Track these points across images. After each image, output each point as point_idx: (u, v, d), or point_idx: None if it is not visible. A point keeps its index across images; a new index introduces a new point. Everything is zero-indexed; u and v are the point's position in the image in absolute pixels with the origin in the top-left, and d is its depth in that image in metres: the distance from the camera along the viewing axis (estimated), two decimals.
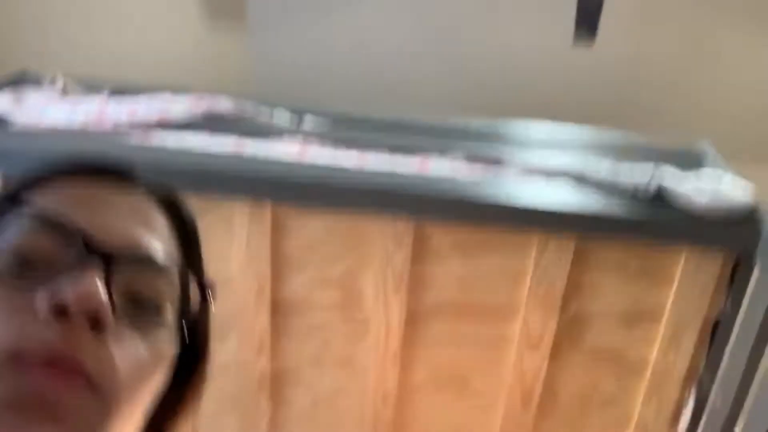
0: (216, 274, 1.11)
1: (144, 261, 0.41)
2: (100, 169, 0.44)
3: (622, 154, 1.15)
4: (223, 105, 1.19)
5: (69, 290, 0.35)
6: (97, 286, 0.36)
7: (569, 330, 1.08)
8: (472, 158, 1.12)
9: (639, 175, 1.01)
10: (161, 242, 0.42)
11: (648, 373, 1.09)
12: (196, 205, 1.04)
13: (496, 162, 1.11)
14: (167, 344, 0.42)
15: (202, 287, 0.45)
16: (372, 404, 1.15)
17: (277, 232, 1.05)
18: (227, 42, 1.57)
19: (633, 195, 1.00)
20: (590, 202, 1.00)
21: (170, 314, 0.42)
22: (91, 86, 1.26)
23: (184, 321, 0.43)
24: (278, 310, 1.11)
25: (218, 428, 1.20)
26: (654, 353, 1.08)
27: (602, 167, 1.05)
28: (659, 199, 1.00)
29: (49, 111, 1.16)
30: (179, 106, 1.17)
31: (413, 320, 1.09)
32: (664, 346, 1.07)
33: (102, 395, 0.36)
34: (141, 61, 1.58)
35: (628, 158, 1.12)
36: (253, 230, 1.04)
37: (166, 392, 0.44)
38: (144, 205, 0.44)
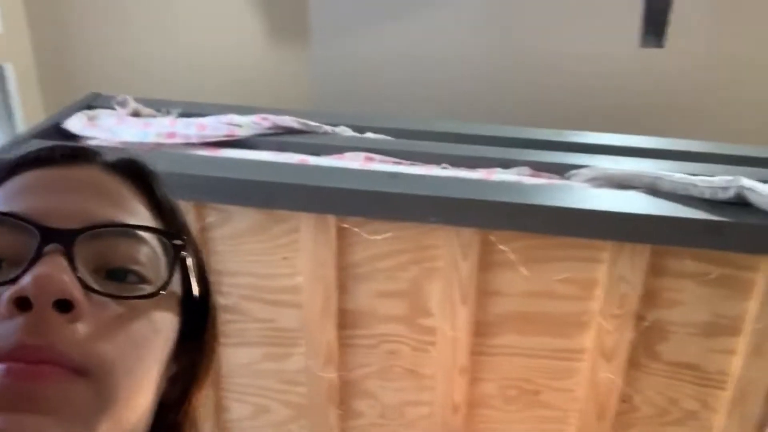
0: (283, 287, 1.13)
1: (106, 231, 0.38)
2: (49, 155, 0.43)
3: (694, 161, 1.11)
4: (288, 122, 1.21)
5: (26, 279, 0.34)
6: (53, 268, 0.34)
7: (646, 341, 1.04)
8: (538, 168, 1.09)
9: (717, 180, 0.97)
10: (125, 210, 0.41)
11: (729, 386, 1.04)
12: (263, 218, 1.07)
13: (564, 171, 1.08)
14: (160, 314, 0.39)
15: (167, 235, 0.41)
16: (441, 416, 1.14)
17: (343, 243, 1.06)
18: (289, 59, 1.60)
19: (711, 200, 0.96)
20: (666, 207, 0.96)
21: (156, 281, 0.39)
22: (159, 107, 1.30)
23: (182, 291, 0.41)
24: (345, 321, 1.11)
25: None
26: (735, 365, 1.03)
27: (677, 173, 1.01)
28: (739, 204, 0.95)
29: (121, 130, 1.20)
30: (246, 123, 1.19)
31: (481, 331, 1.08)
32: (746, 358, 1.01)
33: (93, 379, 0.34)
34: (205, 80, 1.63)
35: (703, 165, 1.08)
36: (319, 242, 1.05)
37: (178, 368, 0.43)
38: (100, 179, 0.42)
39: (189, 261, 0.42)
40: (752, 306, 0.99)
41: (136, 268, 0.39)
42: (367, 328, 1.12)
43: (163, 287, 0.39)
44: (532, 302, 1.05)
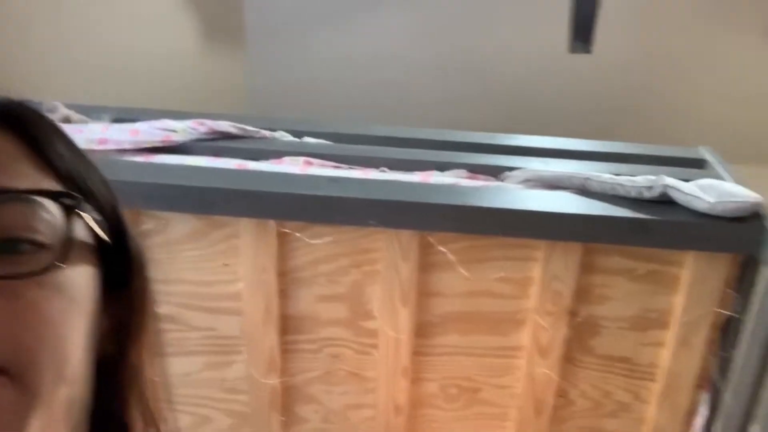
0: (224, 294, 1.12)
1: None
2: None
3: (621, 162, 1.16)
4: (225, 127, 1.20)
5: None
6: None
7: (579, 336, 1.08)
8: (474, 170, 1.12)
9: (642, 180, 1.02)
10: (4, 170, 0.35)
11: (659, 378, 1.09)
12: (201, 225, 1.05)
13: (498, 173, 1.11)
14: (71, 278, 0.35)
15: (53, 194, 0.36)
16: (384, 418, 1.15)
17: (284, 248, 1.06)
18: (225, 63, 1.58)
19: (638, 199, 1.01)
20: (595, 207, 1.00)
21: (57, 244, 0.35)
22: (91, 113, 1.26)
23: (62, 248, 0.35)
24: (287, 327, 1.11)
25: None
26: (664, 358, 1.07)
27: (606, 175, 1.05)
28: (664, 202, 1.00)
29: None
30: (182, 128, 1.18)
31: (422, 332, 1.09)
32: (674, 350, 1.06)
33: (13, 377, 0.31)
34: (138, 85, 1.59)
35: (630, 166, 1.13)
36: (260, 247, 1.04)
37: (110, 321, 0.40)
38: None
39: (90, 215, 0.37)
40: (679, 300, 1.03)
41: (28, 235, 0.34)
42: (310, 333, 1.12)
43: (61, 256, 0.34)
44: (471, 302, 1.07)
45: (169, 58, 1.57)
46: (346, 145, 1.20)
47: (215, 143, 1.18)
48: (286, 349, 1.13)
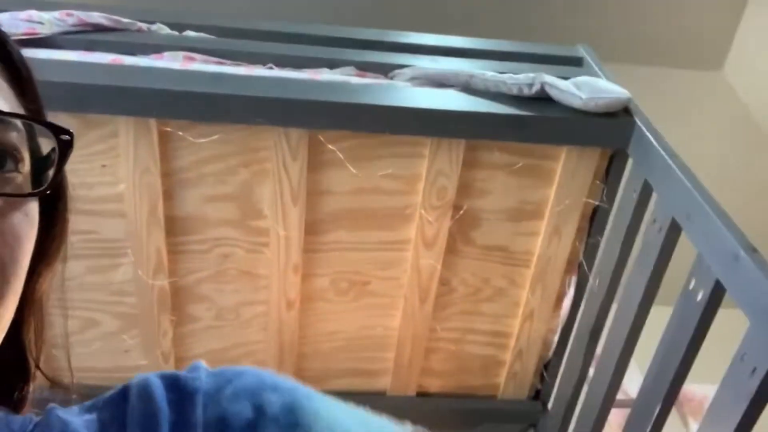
0: (104, 196, 1.08)
1: None
2: None
3: (505, 60, 1.19)
4: (96, 18, 1.11)
5: None
6: None
7: (462, 229, 1.13)
8: (363, 68, 1.11)
9: (523, 77, 1.05)
10: None
11: (533, 264, 1.18)
12: (76, 124, 0.99)
13: (388, 70, 1.11)
14: (33, 205, 0.38)
15: (56, 129, 0.38)
16: (276, 313, 1.18)
17: (166, 148, 1.02)
18: None
19: (518, 96, 1.04)
20: (478, 104, 1.03)
21: (25, 168, 0.37)
22: None
23: (41, 168, 0.39)
24: (174, 228, 1.09)
25: (120, 347, 1.20)
26: (538, 245, 1.16)
27: (489, 72, 1.08)
28: (543, 99, 1.04)
29: None
30: (48, 20, 1.08)
31: (312, 229, 1.11)
32: (546, 239, 1.15)
33: None
34: None
35: (513, 64, 1.16)
36: (141, 147, 1.01)
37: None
38: None
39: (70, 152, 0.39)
40: (552, 192, 1.11)
41: (13, 153, 0.36)
42: (199, 234, 1.11)
43: (51, 184, 0.37)
44: (360, 199, 1.09)
45: None
46: (231, 40, 1.15)
47: (87, 36, 1.10)
48: (175, 250, 1.12)
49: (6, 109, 0.36)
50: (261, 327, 1.21)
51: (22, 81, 0.40)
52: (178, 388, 0.42)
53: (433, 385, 1.33)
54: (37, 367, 0.45)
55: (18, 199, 0.36)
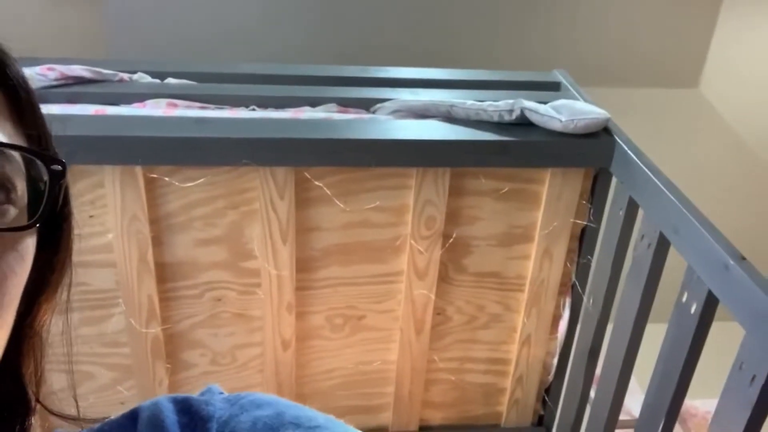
0: (93, 247, 1.07)
1: None
2: None
3: (484, 89, 1.20)
4: (78, 71, 1.12)
5: None
6: None
7: (453, 257, 1.14)
8: (345, 104, 1.13)
9: (503, 104, 1.07)
10: None
11: (526, 288, 1.18)
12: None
13: (369, 105, 1.13)
14: (25, 240, 0.36)
15: (47, 159, 0.37)
16: (272, 354, 1.17)
17: (153, 194, 1.02)
18: (79, 7, 1.47)
19: (499, 123, 1.06)
20: (460, 132, 1.04)
21: (21, 202, 0.36)
22: None
23: (38, 200, 0.37)
24: (164, 274, 1.09)
25: (116, 399, 1.18)
26: (530, 269, 1.16)
27: (469, 101, 1.10)
28: (524, 124, 1.06)
29: None
30: (29, 76, 1.09)
31: (304, 267, 1.11)
32: (537, 262, 1.15)
33: None
34: None
35: (491, 92, 1.18)
36: (128, 195, 1.01)
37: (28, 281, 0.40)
38: None
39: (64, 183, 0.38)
40: (540, 215, 1.11)
41: (6, 185, 0.34)
42: (190, 279, 1.10)
43: (40, 217, 0.35)
44: (349, 233, 1.10)
45: (16, 5, 1.43)
46: (212, 85, 1.16)
47: (69, 89, 1.11)
48: (166, 296, 1.11)
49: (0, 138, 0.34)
50: (257, 369, 1.19)
51: (21, 105, 0.38)
52: (190, 413, 0.41)
53: (435, 417, 1.31)
54: (37, 400, 0.44)
55: (7, 233, 0.35)
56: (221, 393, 0.46)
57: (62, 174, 0.37)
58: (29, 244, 0.37)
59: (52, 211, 0.38)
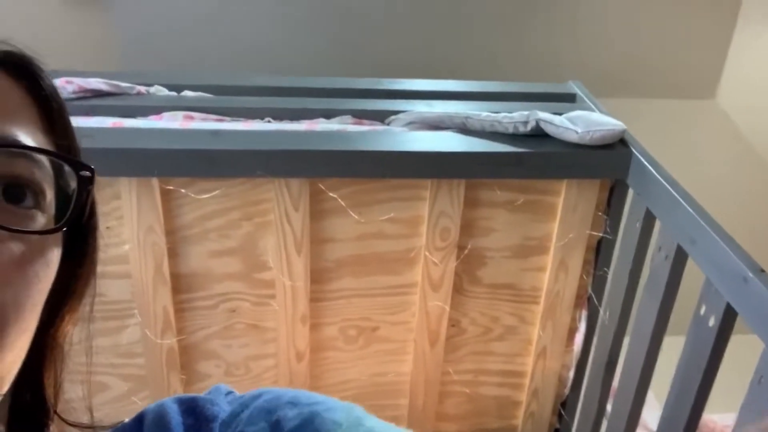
0: (110, 258, 1.08)
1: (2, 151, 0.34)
2: None
3: (499, 100, 1.20)
4: (96, 84, 1.14)
5: None
6: None
7: (467, 268, 1.13)
8: (359, 115, 1.13)
9: (518, 116, 1.06)
10: (16, 123, 0.36)
11: (541, 300, 1.17)
12: None
13: (383, 117, 1.13)
14: (51, 246, 0.36)
15: (76, 164, 0.37)
16: (286, 365, 1.16)
17: (169, 206, 1.03)
18: (92, 18, 1.49)
19: (514, 134, 1.05)
20: (475, 144, 1.04)
21: (49, 208, 0.36)
22: None
23: (65, 207, 0.37)
24: (180, 285, 1.09)
25: (130, 410, 1.18)
26: (545, 280, 1.15)
27: (484, 113, 1.09)
28: (539, 135, 1.05)
29: None
30: None
31: (318, 278, 1.11)
32: (553, 274, 1.14)
33: None
34: None
35: (506, 104, 1.18)
36: (144, 207, 1.01)
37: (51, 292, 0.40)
38: None
39: (92, 190, 0.38)
40: (555, 226, 1.11)
41: (33, 188, 0.35)
42: (205, 290, 1.11)
43: (66, 223, 0.36)
44: (363, 244, 1.09)
45: (31, 17, 1.45)
46: (228, 97, 1.17)
47: (87, 102, 1.12)
48: (181, 307, 1.11)
49: (29, 143, 0.35)
50: (271, 381, 1.19)
51: (52, 115, 0.38)
52: (195, 414, 0.41)
53: (450, 430, 1.30)
54: (55, 411, 0.44)
55: (34, 237, 0.34)
56: (230, 392, 0.46)
57: (90, 180, 0.37)
58: (55, 252, 0.37)
59: (79, 220, 0.39)
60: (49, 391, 0.43)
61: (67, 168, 0.37)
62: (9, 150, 0.34)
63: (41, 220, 0.35)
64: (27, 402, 0.42)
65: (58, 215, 0.37)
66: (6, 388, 0.34)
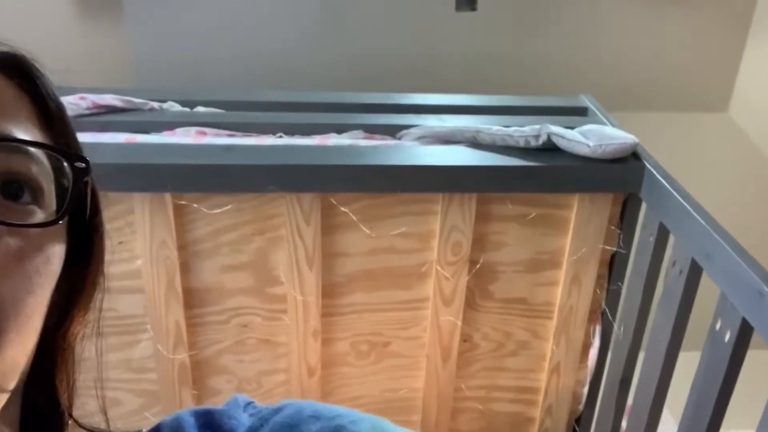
0: (122, 273, 1.08)
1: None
2: None
3: (510, 114, 1.20)
4: (109, 100, 1.15)
5: None
6: None
7: (479, 283, 1.12)
8: (370, 130, 1.13)
9: (529, 130, 1.06)
10: (11, 119, 0.36)
11: (554, 315, 1.16)
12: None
13: (395, 132, 1.13)
14: (51, 242, 0.36)
15: (69, 156, 0.37)
16: (298, 380, 1.16)
17: (182, 221, 1.03)
18: (104, 34, 1.51)
19: (526, 148, 1.05)
20: (486, 158, 1.04)
21: (48, 205, 0.36)
22: None
23: (66, 206, 0.37)
24: (192, 300, 1.09)
25: (143, 425, 1.18)
26: (558, 295, 1.14)
27: (495, 127, 1.09)
28: (551, 149, 1.05)
29: None
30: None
31: (330, 293, 1.11)
32: (566, 288, 1.13)
33: None
34: None
35: (518, 117, 1.18)
36: (156, 222, 1.02)
37: (58, 294, 0.39)
38: None
39: (89, 183, 0.38)
40: (568, 240, 1.10)
41: (31, 185, 0.35)
42: (216, 305, 1.11)
43: (63, 215, 0.36)
44: (375, 259, 1.09)
45: (45, 34, 1.47)
46: (240, 113, 1.18)
47: (100, 118, 1.13)
48: (193, 322, 1.11)
49: (24, 138, 0.35)
50: (283, 396, 1.19)
51: (50, 114, 0.39)
52: (212, 427, 0.41)
53: None
54: (70, 415, 0.43)
55: (33, 232, 0.34)
56: (249, 403, 0.46)
57: (86, 171, 0.37)
58: (57, 248, 0.37)
59: (80, 216, 0.39)
60: (63, 395, 0.43)
61: (66, 164, 0.37)
62: (4, 145, 0.34)
63: (40, 216, 0.35)
64: (40, 405, 0.42)
65: (58, 211, 0.37)
66: (10, 385, 0.34)
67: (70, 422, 0.44)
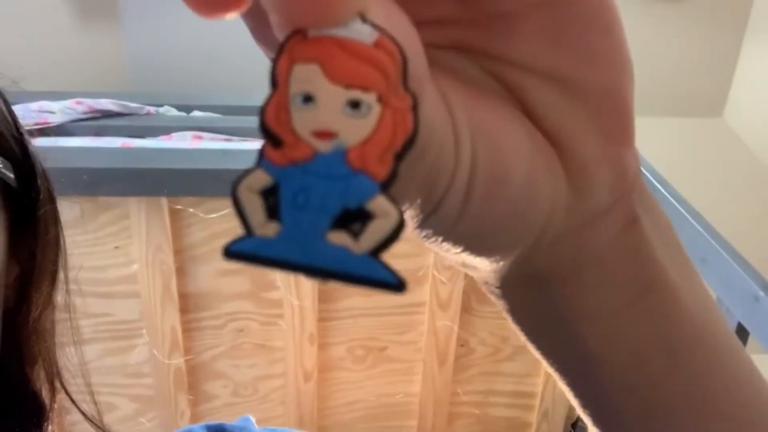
0: (118, 277, 1.08)
1: None
2: None
3: None
4: (105, 105, 1.15)
5: None
6: None
7: (476, 288, 1.12)
8: None
9: None
10: None
11: None
12: (88, 207, 1.01)
13: None
14: None
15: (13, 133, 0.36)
16: (294, 385, 1.16)
17: (178, 225, 1.03)
18: (101, 40, 1.51)
19: None
20: None
21: None
22: None
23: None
24: (188, 305, 1.09)
25: (138, 430, 1.17)
26: None
27: None
28: None
29: None
30: (59, 109, 1.12)
31: (326, 297, 1.11)
32: None
33: None
34: (8, 68, 1.49)
35: None
36: (152, 226, 1.02)
37: (20, 268, 0.38)
38: None
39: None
40: None
41: None
42: (212, 309, 1.10)
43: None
44: None
45: (42, 39, 1.47)
46: (236, 117, 1.18)
47: (96, 122, 1.13)
48: (189, 327, 1.11)
49: None
50: (279, 401, 1.19)
51: None
52: None
53: None
54: (68, 395, 0.42)
55: None
56: (256, 428, 0.46)
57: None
58: None
59: (23, 198, 0.37)
60: (40, 388, 0.41)
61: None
62: None
63: None
64: (13, 399, 0.40)
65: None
66: None
67: (52, 417, 0.42)
